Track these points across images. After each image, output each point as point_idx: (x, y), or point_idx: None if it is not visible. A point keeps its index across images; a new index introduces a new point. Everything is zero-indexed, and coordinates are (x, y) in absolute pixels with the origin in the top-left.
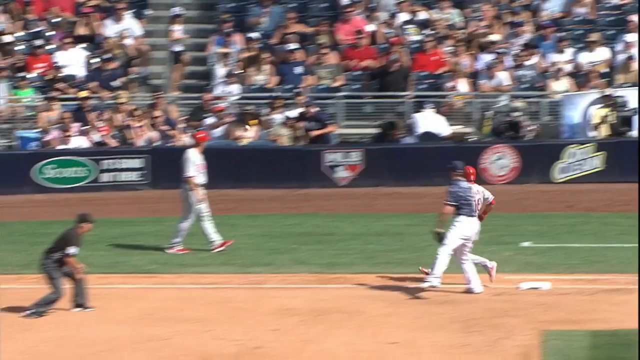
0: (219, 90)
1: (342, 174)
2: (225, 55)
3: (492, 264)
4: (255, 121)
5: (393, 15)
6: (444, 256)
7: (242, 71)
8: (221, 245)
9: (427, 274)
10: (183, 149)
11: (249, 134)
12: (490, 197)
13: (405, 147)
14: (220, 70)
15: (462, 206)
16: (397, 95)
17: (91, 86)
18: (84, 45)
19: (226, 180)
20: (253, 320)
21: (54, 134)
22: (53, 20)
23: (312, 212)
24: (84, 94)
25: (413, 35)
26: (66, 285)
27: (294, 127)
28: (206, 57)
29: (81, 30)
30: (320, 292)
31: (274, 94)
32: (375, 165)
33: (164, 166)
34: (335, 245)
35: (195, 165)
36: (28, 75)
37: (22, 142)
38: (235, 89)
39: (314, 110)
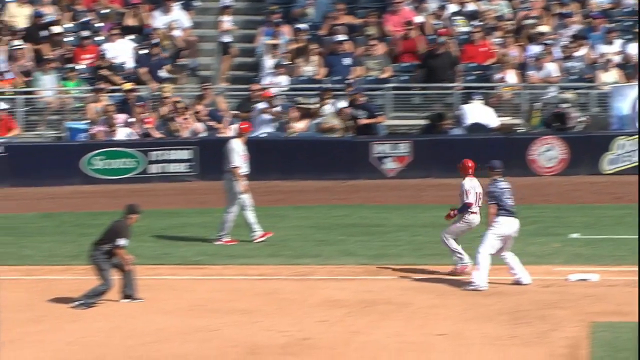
0: (267, 82)
1: (390, 165)
2: (274, 46)
3: (467, 263)
4: (302, 112)
5: (442, 7)
6: (484, 259)
7: (291, 62)
8: (262, 236)
9: (462, 269)
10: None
11: (298, 126)
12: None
13: (453, 139)
14: (269, 62)
15: (500, 206)
16: (445, 86)
17: (141, 71)
18: (132, 36)
19: (275, 172)
20: (301, 311)
21: (99, 126)
22: (102, 12)
23: (360, 204)
24: (128, 85)
25: (461, 26)
26: (115, 277)
27: (344, 117)
28: (254, 49)
29: (130, 22)
30: (368, 284)
31: (322, 86)
32: (423, 156)
33: (212, 157)
34: (383, 237)
35: (239, 156)
36: (77, 67)
37: (71, 133)
38: (283, 80)
39: (362, 98)
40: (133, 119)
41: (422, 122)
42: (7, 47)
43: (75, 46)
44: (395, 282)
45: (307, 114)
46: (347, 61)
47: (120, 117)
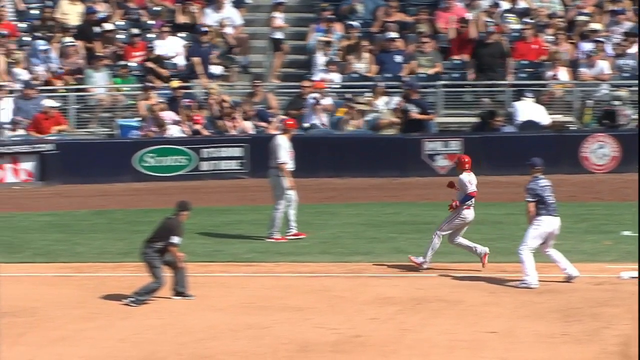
0: (318, 79)
1: (441, 162)
2: (326, 43)
3: (483, 250)
4: (357, 110)
5: (494, 4)
6: (527, 256)
7: (342, 60)
8: (294, 235)
9: (418, 264)
10: None
11: (353, 122)
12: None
13: (504, 136)
14: (320, 59)
15: (540, 204)
16: (496, 83)
17: (195, 61)
18: (183, 34)
19: (327, 169)
20: (352, 309)
21: (148, 126)
22: (153, 9)
23: (411, 201)
24: (175, 83)
25: (513, 23)
26: (166, 274)
27: (398, 112)
28: (306, 46)
29: (181, 19)
30: (419, 281)
31: (374, 83)
32: (474, 154)
33: (263, 155)
34: None
35: (286, 152)
36: (128, 64)
37: (122, 131)
38: (335, 77)
39: (416, 95)
40: (180, 117)
41: (474, 119)
42: (59, 44)
43: (126, 43)
44: (446, 279)
45: (361, 112)
46: (398, 58)
47: (168, 115)
